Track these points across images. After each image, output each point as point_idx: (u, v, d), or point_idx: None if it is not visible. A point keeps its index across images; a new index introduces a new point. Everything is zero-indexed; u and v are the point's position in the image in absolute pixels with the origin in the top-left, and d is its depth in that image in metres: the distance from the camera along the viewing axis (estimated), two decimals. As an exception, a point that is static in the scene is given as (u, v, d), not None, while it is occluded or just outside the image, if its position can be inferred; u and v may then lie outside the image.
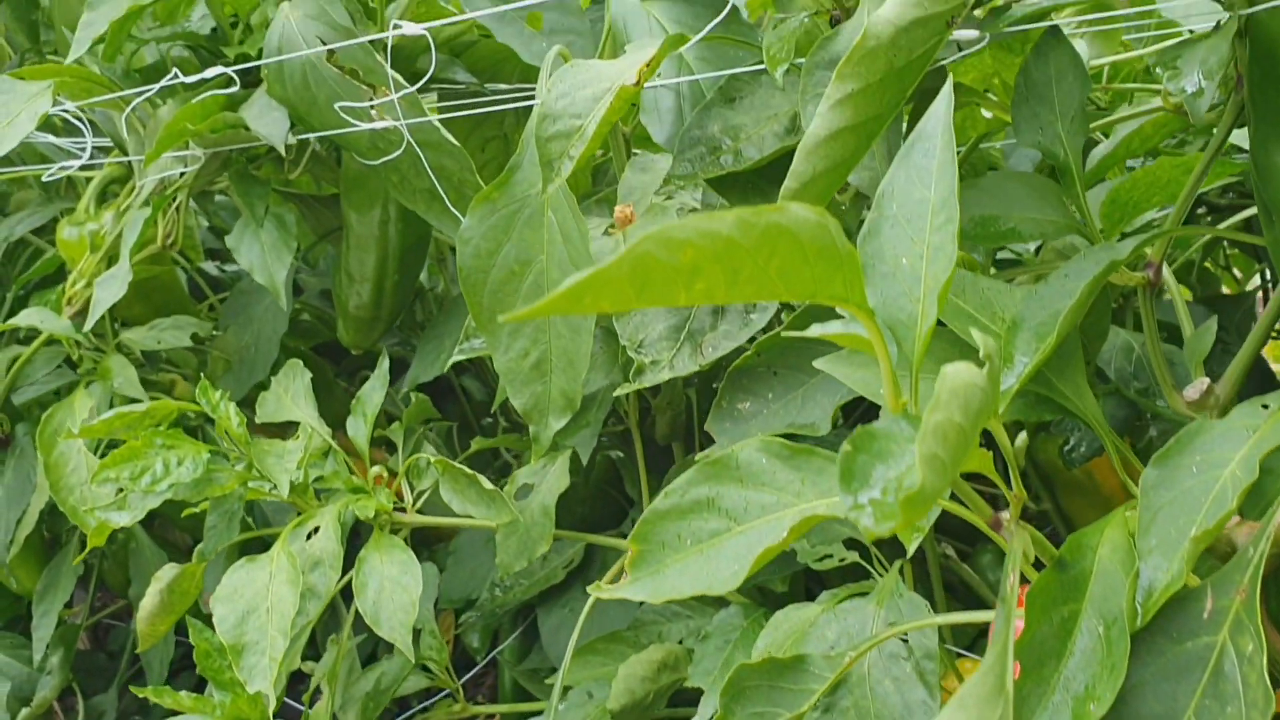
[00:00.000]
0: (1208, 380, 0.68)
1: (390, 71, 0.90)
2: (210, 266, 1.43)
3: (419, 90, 1.20)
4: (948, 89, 0.51)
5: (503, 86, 1.16)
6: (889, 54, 0.58)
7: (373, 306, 1.12)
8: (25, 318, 1.10)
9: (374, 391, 1.00)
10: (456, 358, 0.92)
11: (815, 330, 0.47)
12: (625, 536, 1.04)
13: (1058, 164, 0.68)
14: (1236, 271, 1.38)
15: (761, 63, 0.77)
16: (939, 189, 0.49)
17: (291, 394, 1.01)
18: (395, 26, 0.84)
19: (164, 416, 0.92)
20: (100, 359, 1.18)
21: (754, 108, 0.77)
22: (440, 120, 0.97)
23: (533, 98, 1.15)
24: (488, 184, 1.19)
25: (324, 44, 0.92)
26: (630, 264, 0.37)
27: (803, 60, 0.70)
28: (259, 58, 1.07)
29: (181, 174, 1.08)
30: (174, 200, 1.11)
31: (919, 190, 0.50)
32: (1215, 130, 0.65)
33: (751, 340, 0.78)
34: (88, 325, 1.01)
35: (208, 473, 0.89)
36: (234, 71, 1.06)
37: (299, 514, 0.93)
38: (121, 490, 0.88)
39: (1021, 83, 0.69)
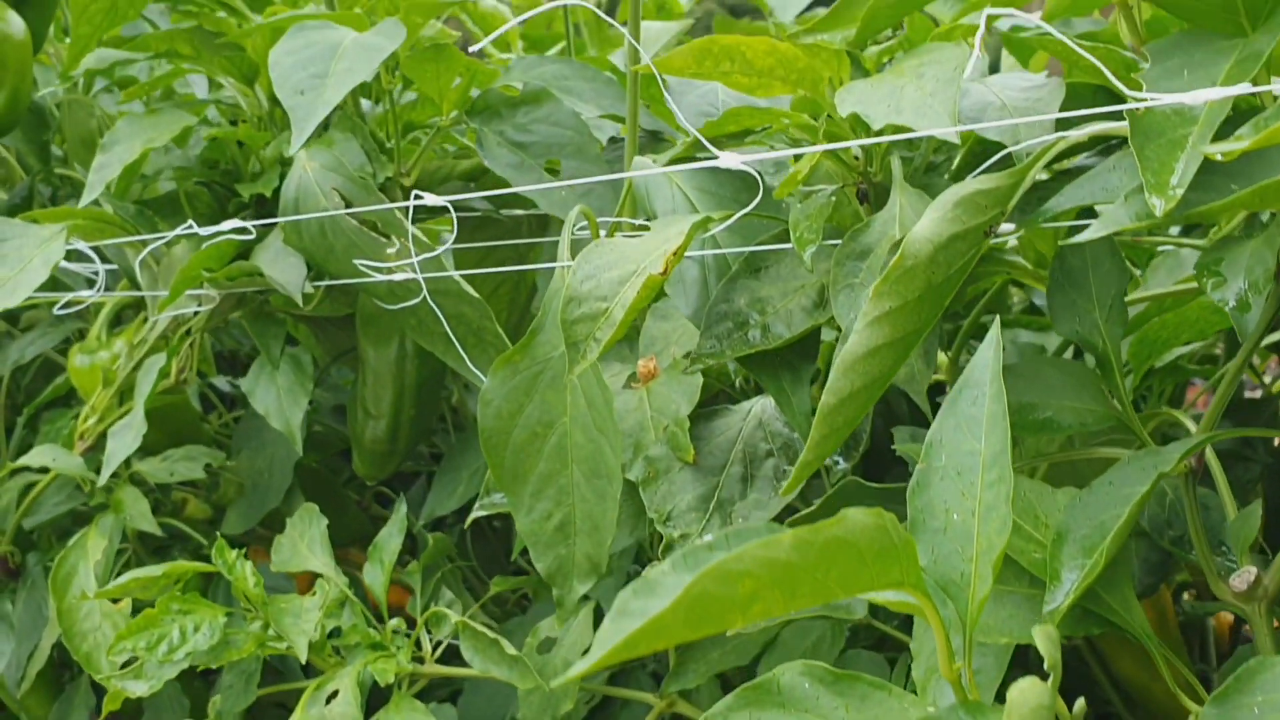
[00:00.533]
0: (1254, 570, 0.66)
1: (410, 226, 0.89)
2: (221, 381, 1.42)
3: (435, 215, 1.19)
4: (994, 334, 0.50)
5: (518, 211, 1.15)
6: (928, 271, 0.57)
7: (389, 441, 1.10)
8: (38, 457, 1.09)
9: (391, 538, 0.99)
10: (477, 513, 0.91)
11: (866, 599, 0.45)
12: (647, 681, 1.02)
13: (1096, 354, 0.66)
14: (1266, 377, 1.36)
15: (785, 230, 0.76)
16: (990, 442, 0.48)
17: (307, 541, 0.99)
18: (416, 196, 0.83)
19: (180, 577, 0.90)
20: (112, 490, 1.16)
21: (780, 278, 0.76)
22: (454, 247, 0.96)
23: (545, 220, 1.15)
24: (502, 310, 1.19)
25: (341, 196, 0.92)
26: (687, 606, 0.35)
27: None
28: (273, 196, 1.06)
29: (195, 312, 1.07)
30: (188, 336, 1.09)
31: (968, 441, 0.48)
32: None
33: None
34: (102, 478, 1.00)
35: (224, 637, 0.87)
36: (248, 198, 1.06)
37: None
38: (138, 659, 0.86)
39: (1057, 269, 0.68)
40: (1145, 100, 0.52)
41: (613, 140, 1.04)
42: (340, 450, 1.42)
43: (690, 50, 0.71)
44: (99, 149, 1.03)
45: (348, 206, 0.92)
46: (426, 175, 1.07)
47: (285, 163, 1.08)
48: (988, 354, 0.49)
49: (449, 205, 0.82)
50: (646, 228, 0.86)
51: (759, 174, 0.78)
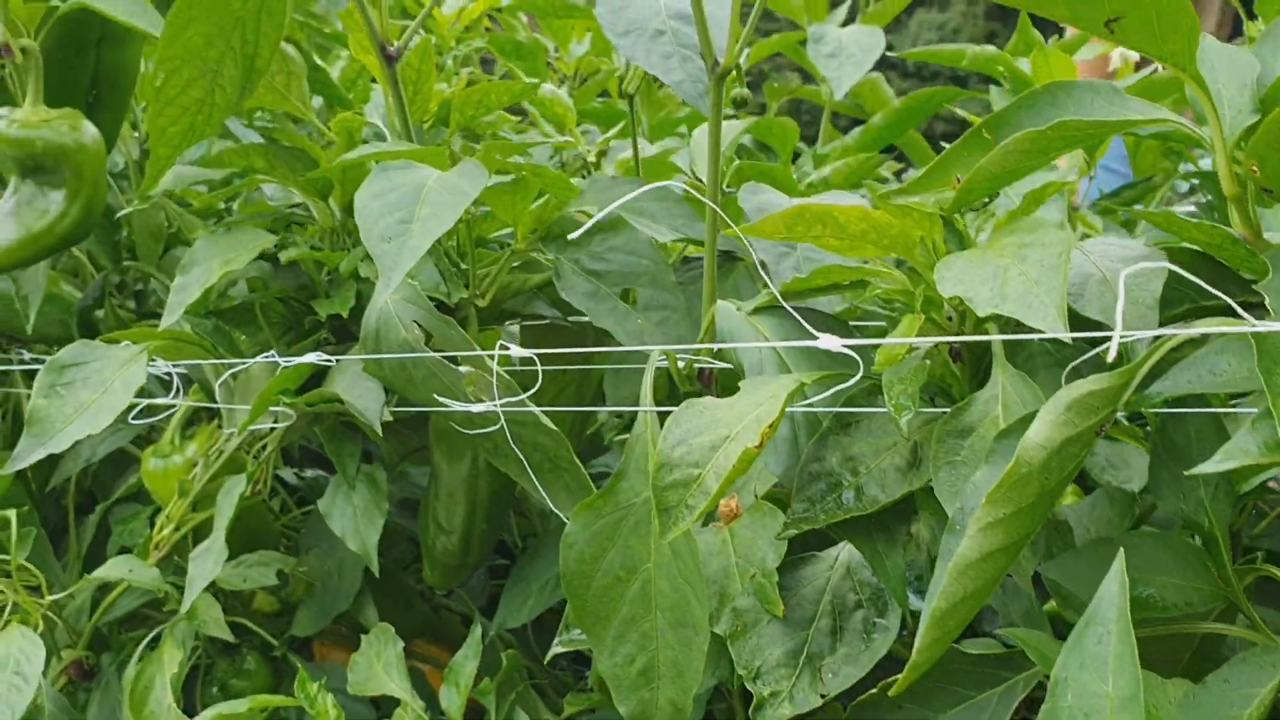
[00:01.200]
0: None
1: (495, 366, 0.89)
2: (287, 472, 1.43)
3: (500, 324, 1.19)
4: (1118, 568, 0.49)
5: (583, 319, 1.15)
6: (1041, 477, 0.56)
7: (460, 554, 1.10)
8: (114, 569, 1.10)
9: (467, 661, 0.99)
10: (556, 650, 0.90)
11: None
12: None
13: (1202, 534, 0.65)
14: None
15: (875, 385, 0.75)
16: (1118, 685, 0.47)
17: (383, 664, 0.99)
18: (503, 346, 0.83)
19: (261, 710, 0.91)
20: (186, 595, 1.17)
21: (871, 433, 0.76)
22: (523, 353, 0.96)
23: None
24: (566, 415, 1.19)
25: (421, 328, 0.92)
26: None
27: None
28: (350, 317, 1.07)
29: (271, 428, 1.08)
30: (263, 450, 1.10)
31: (1095, 682, 0.48)
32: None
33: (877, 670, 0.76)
34: (185, 605, 1.01)
35: (308, 773, 0.88)
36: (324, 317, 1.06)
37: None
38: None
39: (1159, 442, 0.67)
40: (1267, 326, 0.52)
41: (685, 260, 1.04)
42: (406, 538, 1.43)
43: (783, 217, 0.71)
44: (178, 270, 1.05)
45: (428, 339, 0.92)
46: (499, 290, 1.07)
47: (359, 279, 1.09)
48: (1112, 588, 0.48)
49: (536, 358, 0.82)
50: (730, 370, 0.86)
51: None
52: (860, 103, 1.53)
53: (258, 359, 0.99)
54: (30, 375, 1.42)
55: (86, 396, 1.00)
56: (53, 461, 1.34)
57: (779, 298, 0.77)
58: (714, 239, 0.90)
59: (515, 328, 1.19)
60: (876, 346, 0.69)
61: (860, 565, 0.80)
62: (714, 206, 0.89)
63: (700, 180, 1.30)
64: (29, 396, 1.39)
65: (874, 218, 0.70)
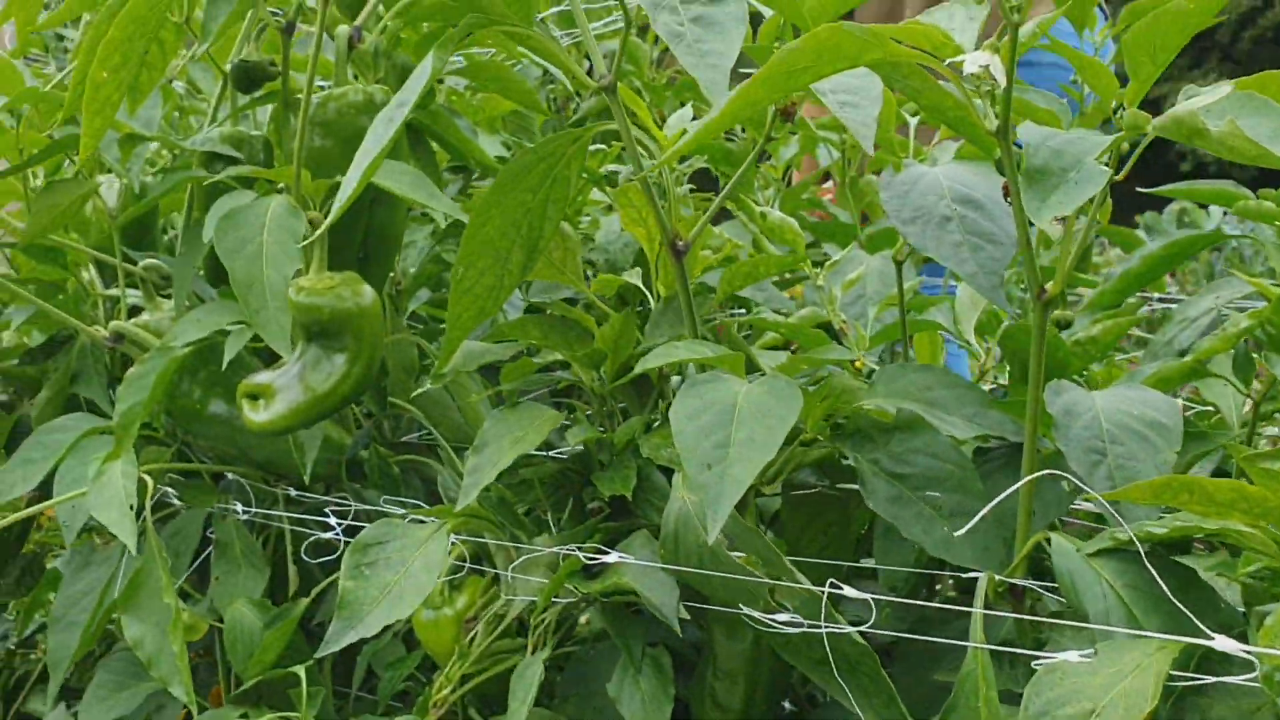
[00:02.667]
0: None
1: (797, 574, 0.89)
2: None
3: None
4: None
5: (849, 486, 1.14)
6: None
7: (737, 732, 1.11)
8: (402, 732, 1.14)
9: None
10: None
11: None
12: None
13: None
14: None
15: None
16: None
17: None
18: (834, 586, 0.84)
19: None
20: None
21: (1230, 695, 0.73)
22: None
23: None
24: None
25: (721, 532, 0.93)
26: None
27: None
28: (635, 498, 1.09)
29: (554, 602, 1.10)
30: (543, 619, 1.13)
31: None
32: None
33: None
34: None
35: None
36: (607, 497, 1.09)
37: None
38: None
39: None
40: None
41: (980, 452, 1.02)
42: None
43: (1150, 487, 0.70)
44: (471, 451, 1.08)
45: (731, 545, 0.93)
46: (776, 473, 1.07)
47: (638, 454, 1.11)
48: None
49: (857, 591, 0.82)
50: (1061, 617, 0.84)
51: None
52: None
53: (551, 549, 1.02)
54: (289, 502, 1.49)
55: (390, 578, 1.04)
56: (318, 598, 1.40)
57: (1136, 541, 0.75)
58: (1033, 449, 0.88)
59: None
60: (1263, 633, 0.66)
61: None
62: (1032, 410, 0.87)
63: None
64: (290, 525, 1.47)
65: (1245, 490, 0.67)
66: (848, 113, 0.91)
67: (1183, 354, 1.24)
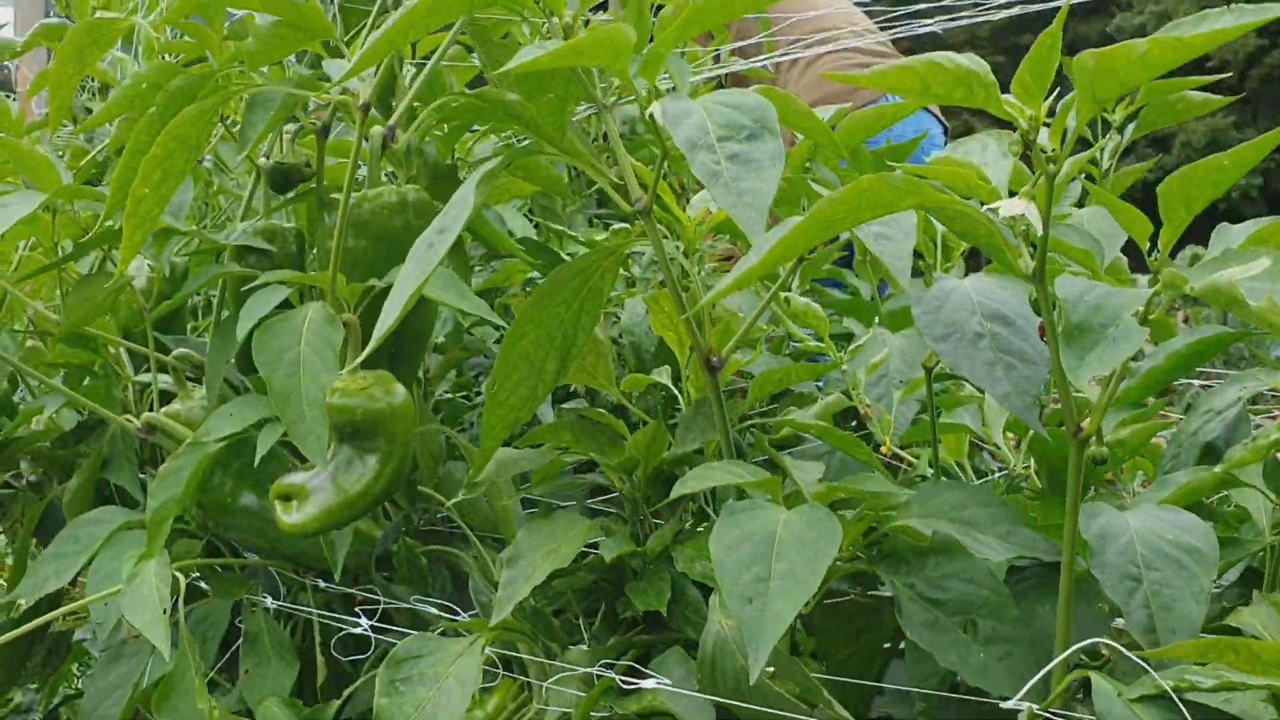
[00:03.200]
0: None
1: (830, 701, 0.90)
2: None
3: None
4: None
5: (881, 594, 1.15)
6: None
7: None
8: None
9: None
10: None
11: None
12: None
13: None
14: None
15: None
16: None
17: None
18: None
19: None
20: None
21: None
22: None
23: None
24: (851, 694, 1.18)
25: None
26: None
27: None
28: (669, 611, 1.10)
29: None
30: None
31: None
32: None
33: None
34: None
35: None
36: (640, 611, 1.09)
37: None
38: None
39: None
40: None
41: (1012, 570, 1.02)
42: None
43: (1195, 646, 0.70)
44: (504, 564, 1.09)
45: (772, 676, 0.94)
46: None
47: (671, 563, 1.12)
48: None
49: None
50: None
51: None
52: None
53: (584, 670, 1.02)
54: (316, 590, 1.50)
55: (424, 694, 1.04)
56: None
57: (1172, 693, 0.75)
58: (1070, 579, 0.88)
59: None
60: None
61: None
62: (1069, 539, 0.88)
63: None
64: (319, 616, 1.47)
65: (1295, 650, 0.67)
66: (882, 245, 0.92)
67: (1209, 446, 1.24)
